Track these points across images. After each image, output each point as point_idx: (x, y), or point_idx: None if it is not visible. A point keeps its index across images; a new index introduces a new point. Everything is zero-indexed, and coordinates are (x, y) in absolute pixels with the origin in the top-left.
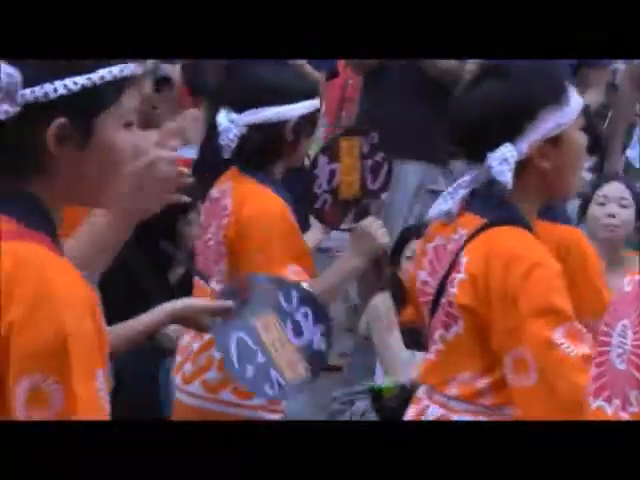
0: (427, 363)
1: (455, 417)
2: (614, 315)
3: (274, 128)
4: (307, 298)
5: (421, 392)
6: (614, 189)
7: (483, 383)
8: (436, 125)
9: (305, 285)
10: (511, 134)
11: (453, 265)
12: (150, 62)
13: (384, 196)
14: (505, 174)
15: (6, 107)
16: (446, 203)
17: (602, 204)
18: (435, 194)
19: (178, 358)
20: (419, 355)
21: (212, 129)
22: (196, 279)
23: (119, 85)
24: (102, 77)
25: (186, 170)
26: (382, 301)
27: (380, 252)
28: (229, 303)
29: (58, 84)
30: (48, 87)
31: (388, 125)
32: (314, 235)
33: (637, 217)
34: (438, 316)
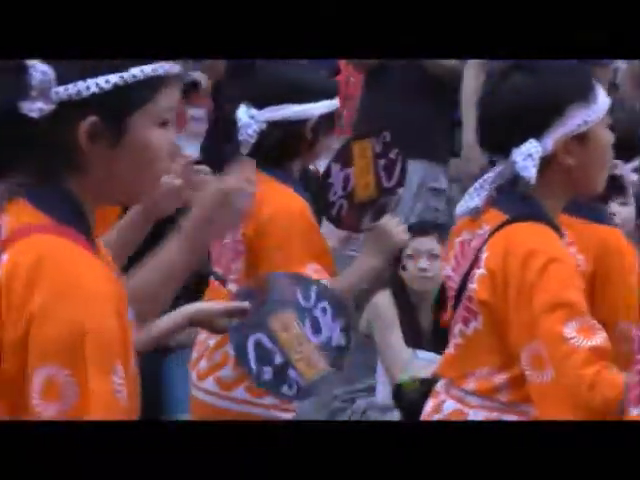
0: (446, 357)
1: (470, 412)
2: None
3: (294, 126)
4: (326, 293)
5: (439, 386)
6: None
7: (500, 379)
8: (437, 123)
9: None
10: (537, 130)
11: (475, 260)
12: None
13: (400, 191)
14: (529, 169)
15: (40, 105)
16: (472, 200)
17: None
18: (436, 192)
19: (194, 354)
20: (420, 354)
21: (216, 124)
22: (211, 279)
23: (154, 84)
24: (134, 76)
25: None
26: (383, 299)
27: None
28: (245, 304)
29: (90, 82)
30: (81, 85)
31: (389, 123)
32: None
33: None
34: (459, 311)
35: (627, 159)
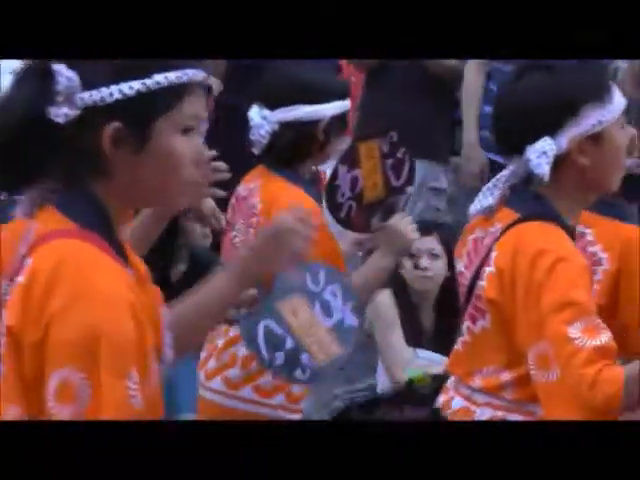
0: (455, 354)
1: (477, 410)
2: None
3: (306, 127)
4: (334, 276)
5: (449, 382)
6: None
7: (507, 377)
8: (438, 122)
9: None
10: (552, 128)
11: (485, 258)
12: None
13: (410, 189)
14: (542, 167)
15: (66, 110)
16: (486, 199)
17: None
18: (437, 192)
19: (203, 354)
20: (421, 353)
21: (216, 124)
22: None
23: (177, 91)
24: (158, 82)
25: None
26: (384, 299)
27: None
28: (253, 292)
29: (114, 88)
30: (105, 91)
31: (390, 123)
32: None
33: None
34: (469, 308)
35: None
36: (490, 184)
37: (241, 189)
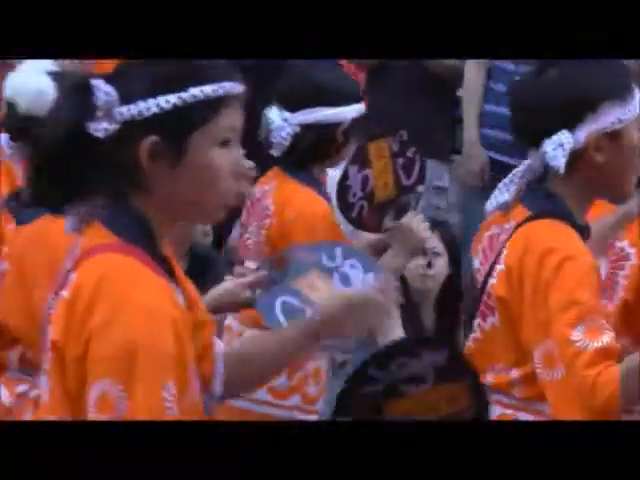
0: (466, 350)
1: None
2: None
3: (327, 129)
4: (352, 252)
5: None
6: None
7: (515, 374)
8: (439, 121)
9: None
10: (570, 123)
11: (498, 256)
12: None
13: (421, 188)
14: (558, 159)
15: (105, 125)
16: (502, 195)
17: None
18: (438, 190)
19: None
20: None
21: None
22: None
23: (214, 104)
24: (194, 96)
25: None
26: None
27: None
28: (264, 272)
29: (151, 102)
30: (142, 105)
31: (390, 122)
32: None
33: None
34: (480, 305)
35: None
36: (506, 179)
37: (255, 191)
